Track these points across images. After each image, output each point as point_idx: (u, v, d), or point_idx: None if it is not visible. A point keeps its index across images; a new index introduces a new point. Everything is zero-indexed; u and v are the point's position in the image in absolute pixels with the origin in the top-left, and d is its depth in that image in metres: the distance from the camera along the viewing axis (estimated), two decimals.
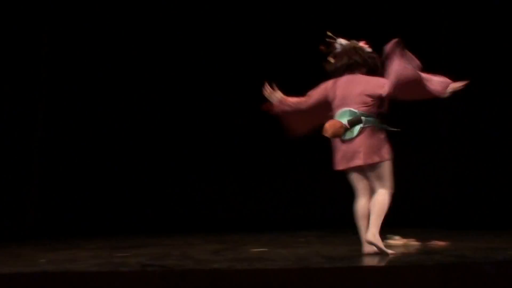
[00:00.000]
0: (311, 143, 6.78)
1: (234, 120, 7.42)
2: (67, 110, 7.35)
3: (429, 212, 7.03)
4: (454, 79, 4.10)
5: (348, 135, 4.14)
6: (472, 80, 6.79)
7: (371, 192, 4.22)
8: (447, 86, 4.11)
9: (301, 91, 4.50)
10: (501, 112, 6.65)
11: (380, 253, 4.06)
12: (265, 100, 4.52)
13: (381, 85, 4.13)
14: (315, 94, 4.40)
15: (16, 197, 6.86)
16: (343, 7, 7.27)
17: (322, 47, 4.35)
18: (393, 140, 4.26)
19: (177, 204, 7.43)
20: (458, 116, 6.73)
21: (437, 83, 4.10)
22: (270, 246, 5.01)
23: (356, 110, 4.15)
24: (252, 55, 7.40)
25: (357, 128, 4.12)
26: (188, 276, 3.32)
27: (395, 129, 4.17)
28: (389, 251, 4.12)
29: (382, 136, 4.18)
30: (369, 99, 4.15)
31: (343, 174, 4.42)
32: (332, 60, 4.35)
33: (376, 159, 4.13)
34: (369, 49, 4.34)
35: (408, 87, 4.03)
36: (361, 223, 4.23)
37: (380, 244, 4.08)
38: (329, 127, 4.17)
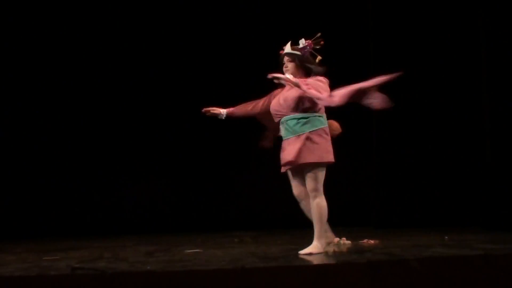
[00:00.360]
0: (245, 144, 6.87)
1: (163, 119, 7.36)
2: None
3: (359, 212, 7.20)
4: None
5: None
6: (399, 82, 7.05)
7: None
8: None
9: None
10: (426, 115, 6.87)
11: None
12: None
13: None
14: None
15: None
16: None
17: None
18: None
19: (107, 206, 7.29)
20: (386, 119, 6.91)
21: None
22: (204, 247, 5.00)
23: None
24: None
25: None
26: (120, 279, 3.26)
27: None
28: (329, 250, 4.26)
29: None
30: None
31: (277, 175, 4.49)
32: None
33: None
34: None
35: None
36: None
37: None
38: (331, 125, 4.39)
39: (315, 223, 4.24)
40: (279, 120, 4.34)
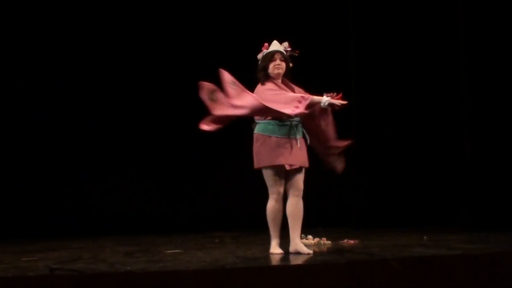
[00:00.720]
0: (225, 145, 6.86)
1: (143, 120, 7.32)
2: None
3: (340, 212, 7.23)
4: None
5: None
6: (380, 83, 7.09)
7: (288, 194, 4.39)
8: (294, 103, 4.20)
9: None
10: (406, 116, 6.92)
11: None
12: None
13: (260, 94, 4.25)
14: None
15: None
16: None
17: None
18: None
19: (86, 206, 7.22)
20: (366, 119, 6.96)
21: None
22: (184, 248, 4.99)
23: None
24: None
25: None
26: (100, 280, 3.24)
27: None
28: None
29: (259, 143, 4.29)
30: None
31: (257, 176, 4.50)
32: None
33: (255, 165, 4.35)
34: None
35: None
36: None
37: (272, 250, 4.30)
38: None
39: (297, 223, 4.29)
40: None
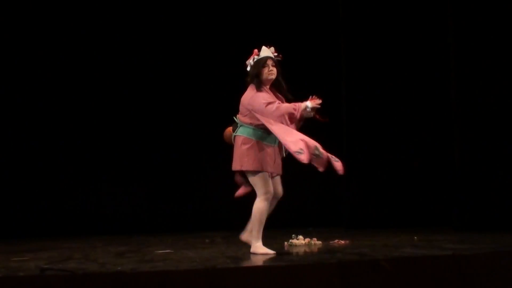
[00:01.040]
0: (215, 145, 6.86)
1: (133, 122, 7.31)
2: None
3: (330, 213, 7.24)
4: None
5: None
6: (370, 84, 7.10)
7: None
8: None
9: None
10: (396, 116, 6.94)
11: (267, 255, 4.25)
12: None
13: (252, 102, 4.28)
14: None
15: None
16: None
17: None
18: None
19: (77, 207, 7.19)
20: (356, 120, 6.97)
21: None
22: (175, 248, 4.98)
23: (237, 119, 4.42)
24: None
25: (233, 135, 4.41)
26: (90, 280, 3.22)
27: (273, 145, 4.35)
28: (272, 251, 4.28)
29: (248, 146, 4.30)
30: (244, 110, 4.36)
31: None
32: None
33: (237, 167, 4.37)
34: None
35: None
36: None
37: (262, 250, 4.30)
38: (225, 132, 4.50)
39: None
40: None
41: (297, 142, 4.14)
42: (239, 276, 3.32)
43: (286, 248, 4.84)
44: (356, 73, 6.99)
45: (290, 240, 5.16)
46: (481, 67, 6.15)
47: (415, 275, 3.48)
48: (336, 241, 5.19)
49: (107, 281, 3.22)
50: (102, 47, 7.24)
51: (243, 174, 4.41)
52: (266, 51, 4.42)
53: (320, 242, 5.17)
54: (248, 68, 4.43)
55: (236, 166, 4.37)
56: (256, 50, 4.45)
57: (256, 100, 4.26)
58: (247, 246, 4.67)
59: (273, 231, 4.93)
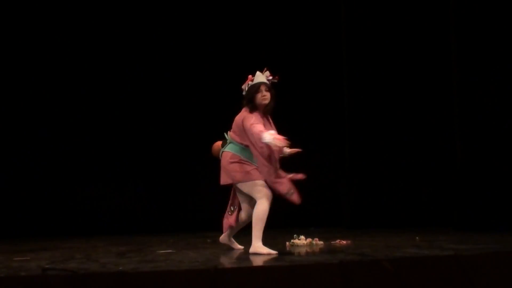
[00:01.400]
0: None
1: (133, 121, 7.31)
2: None
3: (332, 213, 7.24)
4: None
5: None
6: (371, 85, 7.11)
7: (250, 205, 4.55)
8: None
9: None
10: (398, 117, 6.94)
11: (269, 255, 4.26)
12: None
13: (245, 121, 4.38)
14: None
15: None
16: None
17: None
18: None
19: (78, 207, 7.20)
20: (358, 121, 6.97)
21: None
22: (176, 248, 4.98)
23: (227, 135, 4.55)
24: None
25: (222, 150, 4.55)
26: (92, 280, 3.22)
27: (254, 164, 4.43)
28: (273, 251, 4.29)
29: (235, 161, 4.44)
30: (236, 128, 4.49)
31: None
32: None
33: (228, 180, 4.51)
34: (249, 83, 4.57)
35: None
36: (230, 231, 4.76)
37: (263, 250, 4.32)
38: (213, 146, 4.70)
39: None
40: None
41: (283, 183, 4.33)
42: (241, 276, 3.31)
43: (287, 248, 4.83)
44: (357, 73, 7.00)
45: (292, 240, 5.16)
46: (483, 67, 6.14)
47: (417, 275, 3.48)
48: (338, 241, 5.18)
49: (108, 281, 3.21)
50: (101, 51, 7.26)
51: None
52: (260, 77, 4.53)
53: (322, 242, 5.17)
54: (244, 93, 4.56)
55: (226, 180, 4.51)
56: (250, 76, 4.56)
57: (247, 120, 4.38)
58: (249, 245, 4.67)
59: (274, 231, 4.93)
